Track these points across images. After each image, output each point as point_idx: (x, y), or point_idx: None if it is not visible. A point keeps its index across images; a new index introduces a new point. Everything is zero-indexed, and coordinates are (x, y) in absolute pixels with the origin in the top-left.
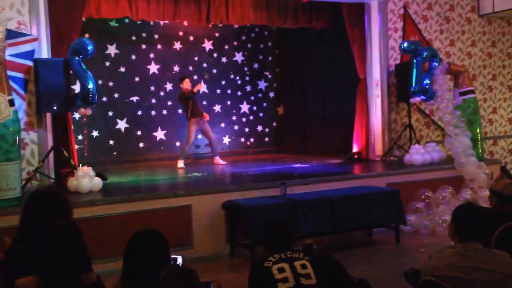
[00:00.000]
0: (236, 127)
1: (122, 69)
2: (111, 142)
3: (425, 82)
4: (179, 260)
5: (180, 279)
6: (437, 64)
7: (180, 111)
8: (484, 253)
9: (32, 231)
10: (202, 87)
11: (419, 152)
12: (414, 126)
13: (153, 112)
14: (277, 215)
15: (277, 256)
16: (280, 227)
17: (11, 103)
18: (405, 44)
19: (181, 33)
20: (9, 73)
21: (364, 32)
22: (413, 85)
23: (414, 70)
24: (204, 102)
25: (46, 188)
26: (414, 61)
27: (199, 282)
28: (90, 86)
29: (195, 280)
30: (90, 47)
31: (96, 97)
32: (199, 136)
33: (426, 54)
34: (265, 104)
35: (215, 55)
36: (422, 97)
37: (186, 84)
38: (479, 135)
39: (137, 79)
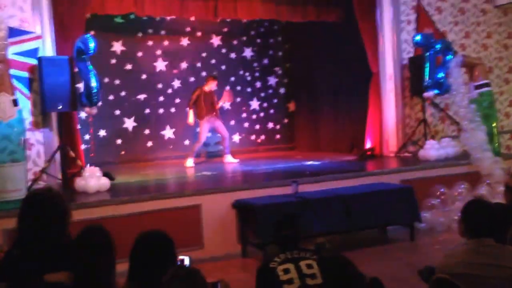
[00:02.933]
0: (246, 125)
1: (129, 67)
2: (119, 141)
3: (439, 75)
4: (186, 261)
5: (184, 281)
6: (451, 57)
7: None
8: (498, 249)
9: (28, 235)
10: (227, 102)
11: (434, 148)
12: (429, 121)
13: (161, 110)
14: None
15: (283, 256)
16: (287, 226)
17: (15, 102)
18: (418, 37)
19: (188, 29)
20: (13, 72)
21: (376, 25)
22: (427, 79)
23: (427, 64)
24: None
25: (43, 191)
26: (427, 54)
27: (205, 283)
28: (94, 84)
29: (200, 281)
30: (92, 44)
31: (100, 96)
32: (208, 134)
33: (440, 46)
34: (275, 101)
35: (223, 51)
36: (436, 91)
37: (209, 86)
38: (495, 129)
39: (144, 76)
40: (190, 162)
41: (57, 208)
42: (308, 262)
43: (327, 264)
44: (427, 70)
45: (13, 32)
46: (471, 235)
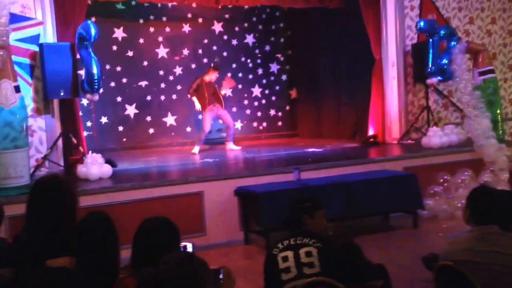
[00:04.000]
0: (248, 112)
1: (130, 53)
2: (120, 128)
3: (443, 62)
4: (189, 247)
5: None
6: (455, 43)
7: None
8: (503, 236)
9: (36, 222)
10: (228, 89)
11: (437, 135)
12: (432, 107)
13: (162, 97)
14: (291, 201)
15: (286, 242)
16: (294, 210)
17: (17, 89)
18: (422, 23)
19: (190, 15)
20: (14, 58)
21: (379, 11)
22: (430, 65)
23: (431, 50)
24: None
25: (51, 177)
26: (431, 40)
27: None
28: (95, 71)
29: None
30: (93, 31)
31: (101, 82)
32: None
33: (443, 33)
34: (277, 88)
35: (225, 37)
36: (440, 77)
37: (210, 76)
38: (499, 116)
39: (145, 63)
40: (196, 149)
41: (65, 195)
42: (308, 249)
43: (330, 252)
44: (430, 56)
45: (15, 18)
46: (476, 222)
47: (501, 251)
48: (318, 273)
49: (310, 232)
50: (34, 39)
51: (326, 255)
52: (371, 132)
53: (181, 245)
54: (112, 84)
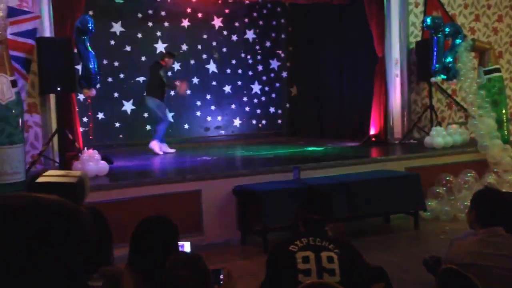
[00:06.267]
0: (247, 109)
1: (128, 48)
2: (117, 124)
3: (447, 60)
4: (187, 246)
5: (187, 267)
6: (460, 41)
7: (188, 91)
8: (508, 239)
9: None
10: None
11: (441, 135)
12: (436, 107)
13: None
14: (290, 200)
15: (304, 241)
16: (316, 207)
17: (14, 84)
18: (428, 20)
19: (189, 10)
20: (11, 52)
21: (382, 7)
22: (434, 63)
23: (435, 48)
24: (214, 83)
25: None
26: (435, 38)
27: (207, 269)
28: (92, 66)
29: (203, 267)
30: (91, 25)
31: (99, 78)
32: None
33: (448, 30)
34: (277, 85)
35: (225, 32)
36: (444, 76)
37: (167, 63)
38: (504, 116)
39: (143, 58)
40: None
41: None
42: (329, 254)
43: (349, 259)
44: (435, 54)
45: (12, 11)
46: (482, 225)
47: (507, 254)
48: (339, 282)
49: (329, 235)
50: (31, 33)
51: (346, 263)
52: (372, 131)
53: (179, 244)
54: (110, 79)
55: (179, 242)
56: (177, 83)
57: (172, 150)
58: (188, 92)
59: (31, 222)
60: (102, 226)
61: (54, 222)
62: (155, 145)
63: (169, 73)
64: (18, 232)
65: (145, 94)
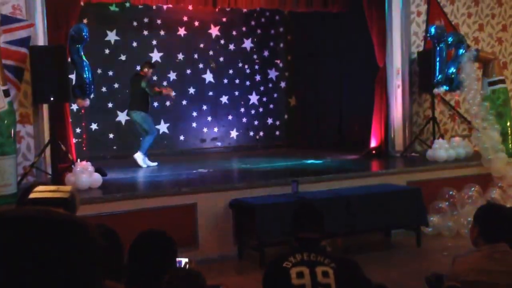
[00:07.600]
0: (244, 120)
1: (123, 57)
2: (111, 135)
3: (450, 71)
4: (185, 262)
5: (186, 282)
6: (463, 51)
7: (184, 102)
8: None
9: None
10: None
11: (443, 148)
12: (438, 119)
13: (155, 104)
14: (287, 215)
15: (299, 256)
16: (309, 224)
17: (6, 93)
18: (433, 29)
19: (185, 18)
20: (3, 61)
21: (383, 15)
22: (437, 74)
23: (438, 58)
24: (210, 93)
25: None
26: (438, 48)
27: (206, 286)
28: (86, 75)
29: (202, 284)
30: (85, 34)
31: (93, 87)
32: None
33: (451, 40)
34: (275, 95)
35: (222, 42)
36: (447, 87)
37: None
38: (509, 128)
39: (138, 68)
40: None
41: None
42: (324, 269)
43: (345, 274)
44: (437, 64)
45: (5, 19)
46: (486, 241)
47: (510, 270)
48: None
49: (325, 250)
50: (24, 42)
51: (343, 277)
52: (373, 143)
53: (177, 260)
54: (104, 89)
55: (177, 259)
56: (157, 89)
57: (154, 164)
58: (184, 102)
59: (48, 234)
60: (115, 243)
61: (68, 235)
62: (138, 156)
63: (165, 83)
64: (32, 245)
65: (128, 109)
